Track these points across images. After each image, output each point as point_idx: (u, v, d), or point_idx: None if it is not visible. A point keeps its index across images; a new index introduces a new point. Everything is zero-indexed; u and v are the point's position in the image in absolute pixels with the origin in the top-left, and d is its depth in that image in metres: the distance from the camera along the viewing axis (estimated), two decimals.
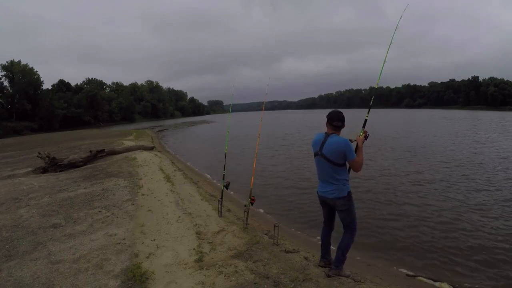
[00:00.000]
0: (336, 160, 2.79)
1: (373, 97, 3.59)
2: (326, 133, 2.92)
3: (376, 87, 3.76)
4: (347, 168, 2.91)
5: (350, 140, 2.96)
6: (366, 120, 3.13)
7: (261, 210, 6.34)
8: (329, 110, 3.03)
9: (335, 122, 2.87)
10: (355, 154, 2.79)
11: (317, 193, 3.04)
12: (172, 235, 4.00)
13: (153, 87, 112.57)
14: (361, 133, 2.97)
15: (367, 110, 3.23)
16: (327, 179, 2.88)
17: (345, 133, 2.93)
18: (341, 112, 2.93)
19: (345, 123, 2.94)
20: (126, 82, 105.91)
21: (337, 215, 3.06)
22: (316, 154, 2.94)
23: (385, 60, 3.36)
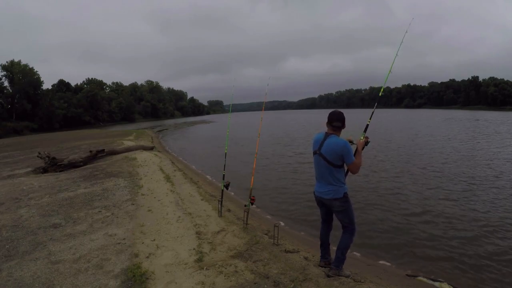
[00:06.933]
0: (333, 161, 2.78)
1: (376, 104, 3.39)
2: (326, 133, 2.92)
3: (380, 94, 3.60)
4: (345, 170, 2.91)
5: (351, 142, 2.95)
6: (368, 125, 3.08)
7: (261, 210, 6.34)
8: (330, 110, 3.02)
9: (335, 123, 2.85)
10: (353, 157, 2.77)
11: (314, 193, 3.04)
12: (172, 235, 4.00)
13: (153, 87, 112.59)
14: (362, 137, 2.95)
15: (370, 115, 3.17)
16: (323, 179, 2.88)
17: (344, 134, 2.93)
18: (342, 113, 2.90)
19: (346, 123, 2.93)
20: (130, 81, 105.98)
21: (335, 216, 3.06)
22: (315, 153, 2.94)
23: (390, 71, 3.34)
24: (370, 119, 3.16)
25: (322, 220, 3.18)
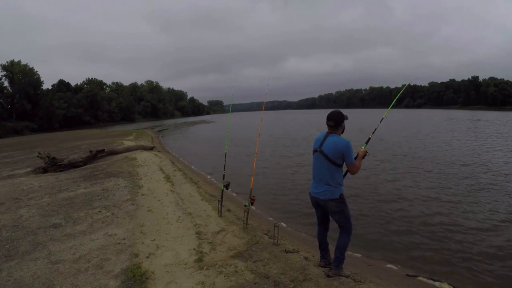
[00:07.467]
0: (334, 159, 2.80)
1: (380, 123, 3.40)
2: (327, 132, 2.95)
3: (384, 116, 3.50)
4: (343, 172, 2.93)
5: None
6: (370, 138, 3.21)
7: (261, 210, 6.33)
8: (330, 110, 3.05)
9: (328, 122, 2.91)
10: (354, 159, 2.81)
11: (309, 193, 3.05)
12: (172, 235, 4.00)
13: (153, 87, 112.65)
14: (363, 147, 3.02)
15: (373, 130, 3.30)
16: (321, 179, 2.88)
17: (348, 135, 2.95)
18: (338, 113, 2.93)
19: (346, 124, 2.97)
20: (130, 81, 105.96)
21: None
22: (315, 151, 2.95)
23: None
24: (372, 134, 3.26)
25: (318, 222, 3.18)
